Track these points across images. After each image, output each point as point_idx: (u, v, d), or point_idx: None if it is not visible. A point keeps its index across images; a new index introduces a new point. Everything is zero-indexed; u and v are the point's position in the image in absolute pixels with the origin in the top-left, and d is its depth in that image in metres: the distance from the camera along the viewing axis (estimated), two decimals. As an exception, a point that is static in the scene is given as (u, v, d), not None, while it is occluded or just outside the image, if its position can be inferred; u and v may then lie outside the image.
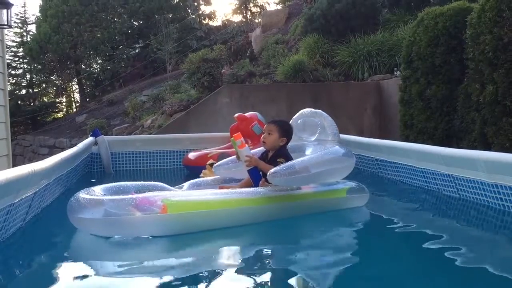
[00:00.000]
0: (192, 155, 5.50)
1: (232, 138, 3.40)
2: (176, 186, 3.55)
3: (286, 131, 3.49)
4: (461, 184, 3.60)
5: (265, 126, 3.59)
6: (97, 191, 2.93)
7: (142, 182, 3.29)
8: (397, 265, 2.43)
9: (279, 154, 3.40)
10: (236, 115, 5.55)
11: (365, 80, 8.89)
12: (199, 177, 4.04)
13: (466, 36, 5.35)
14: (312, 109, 3.97)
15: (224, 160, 3.87)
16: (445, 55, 5.77)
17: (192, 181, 3.67)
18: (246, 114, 5.60)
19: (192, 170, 5.24)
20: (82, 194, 2.82)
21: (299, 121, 4.00)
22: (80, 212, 2.72)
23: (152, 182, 3.35)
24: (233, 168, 3.64)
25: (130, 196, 2.81)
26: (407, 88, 6.45)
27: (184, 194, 3.08)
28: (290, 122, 3.89)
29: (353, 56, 9.22)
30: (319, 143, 3.77)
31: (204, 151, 5.48)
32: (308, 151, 3.77)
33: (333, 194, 3.46)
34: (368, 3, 9.98)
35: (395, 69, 8.44)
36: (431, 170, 3.93)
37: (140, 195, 2.81)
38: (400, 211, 3.64)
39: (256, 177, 3.33)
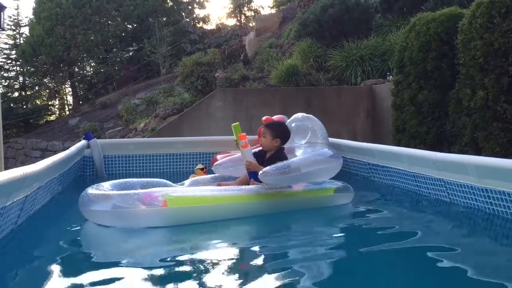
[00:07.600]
0: (220, 158, 5.42)
1: (237, 137, 3.57)
2: (178, 183, 3.85)
3: (278, 132, 3.71)
4: (452, 188, 3.64)
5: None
6: (106, 187, 3.26)
7: (147, 179, 3.68)
8: (384, 264, 2.45)
9: (278, 157, 3.59)
10: (264, 118, 5.47)
11: (358, 85, 8.94)
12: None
13: (458, 41, 5.41)
14: (304, 114, 4.12)
15: (223, 159, 4.15)
16: (436, 61, 5.82)
17: (192, 178, 4.03)
18: (274, 117, 5.53)
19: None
20: (93, 190, 3.13)
21: (292, 125, 4.19)
22: (91, 205, 3.04)
23: (156, 179, 3.72)
24: (230, 167, 3.95)
25: (135, 191, 3.10)
26: (399, 93, 6.49)
27: (183, 190, 3.34)
28: None
29: (346, 60, 9.28)
30: (309, 146, 3.92)
31: (232, 153, 5.39)
32: (299, 153, 3.94)
33: (321, 193, 3.69)
34: (361, 8, 10.05)
35: (388, 73, 8.49)
36: (423, 174, 3.96)
37: (143, 191, 3.10)
38: (391, 214, 3.65)
39: (253, 178, 3.56)
